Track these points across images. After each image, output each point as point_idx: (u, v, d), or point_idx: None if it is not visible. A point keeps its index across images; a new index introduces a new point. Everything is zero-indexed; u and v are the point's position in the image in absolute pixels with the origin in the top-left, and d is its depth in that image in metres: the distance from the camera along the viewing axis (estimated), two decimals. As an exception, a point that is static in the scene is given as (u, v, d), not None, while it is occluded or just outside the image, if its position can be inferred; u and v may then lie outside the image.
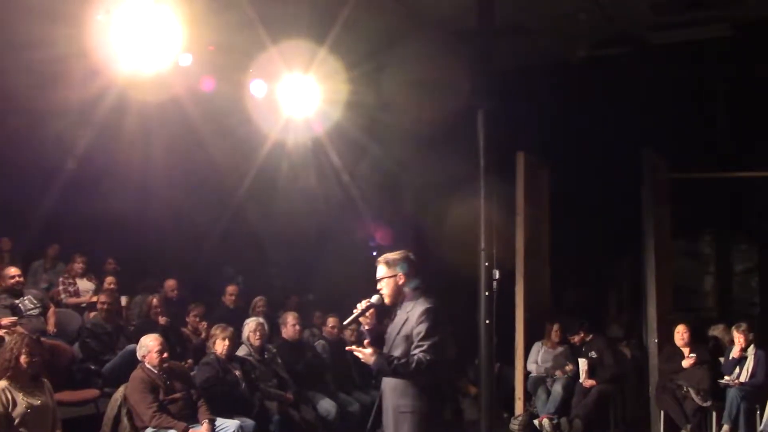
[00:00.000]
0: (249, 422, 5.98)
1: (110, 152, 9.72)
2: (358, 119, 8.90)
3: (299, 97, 8.13)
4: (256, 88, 8.10)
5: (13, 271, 7.60)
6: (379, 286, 4.15)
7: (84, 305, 8.69)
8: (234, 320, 7.42)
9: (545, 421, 8.04)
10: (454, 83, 8.23)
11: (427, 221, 11.04)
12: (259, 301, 8.72)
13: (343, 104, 8.42)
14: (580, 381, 8.23)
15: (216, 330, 6.51)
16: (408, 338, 3.99)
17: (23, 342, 5.11)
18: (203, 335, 7.87)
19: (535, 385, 8.48)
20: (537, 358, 8.64)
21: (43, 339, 5.83)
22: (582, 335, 8.55)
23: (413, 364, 3.87)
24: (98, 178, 10.27)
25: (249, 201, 11.07)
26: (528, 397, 8.50)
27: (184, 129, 8.91)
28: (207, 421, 5.72)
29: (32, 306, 7.44)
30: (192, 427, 5.61)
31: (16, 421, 4.87)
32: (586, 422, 7.94)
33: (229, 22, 7.25)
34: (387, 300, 4.14)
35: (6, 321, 6.84)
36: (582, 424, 7.93)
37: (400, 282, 4.10)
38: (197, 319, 8.02)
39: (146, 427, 5.56)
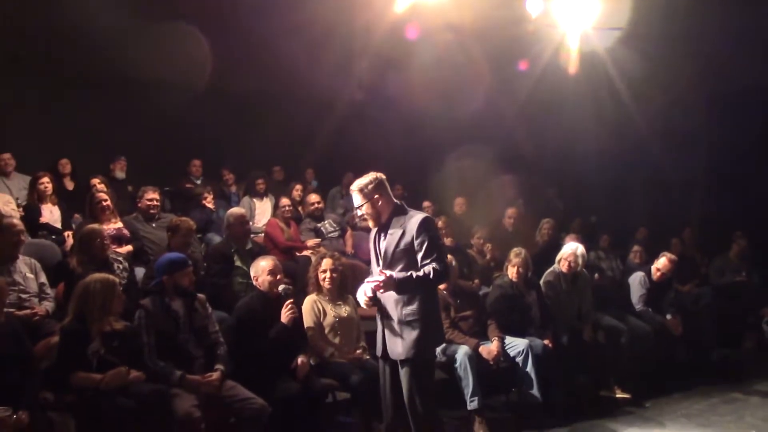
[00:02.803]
0: (538, 342, 5.99)
1: (389, 83, 10.15)
2: (643, 30, 8.19)
3: (578, 9, 7.73)
4: (532, 4, 7.83)
5: (313, 197, 8.35)
6: (360, 213, 4.30)
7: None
8: (514, 243, 7.42)
9: None
10: None
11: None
12: (545, 223, 8.61)
13: (627, 14, 7.82)
14: None
15: (511, 254, 6.54)
16: (409, 250, 4.08)
17: (326, 260, 5.58)
18: (488, 256, 8.02)
19: None
20: None
21: (343, 258, 6.24)
22: None
23: (431, 274, 3.97)
24: (382, 109, 10.80)
25: (521, 125, 10.95)
26: None
27: (461, 55, 8.94)
28: (497, 338, 5.84)
29: (332, 229, 8.11)
30: (482, 344, 5.75)
31: (327, 329, 5.38)
32: None
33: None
34: (372, 223, 4.25)
35: (311, 242, 7.58)
36: None
37: (379, 204, 4.17)
38: (481, 241, 8.17)
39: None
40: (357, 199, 4.23)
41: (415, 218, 4.12)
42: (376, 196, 4.16)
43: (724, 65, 9.16)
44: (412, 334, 4.01)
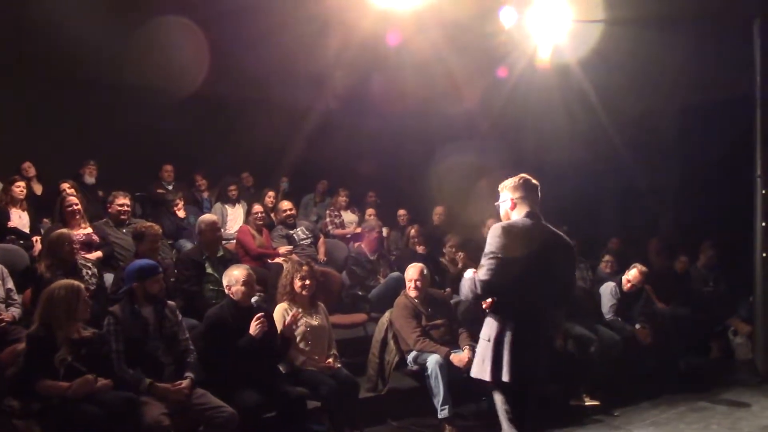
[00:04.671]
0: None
1: (364, 92, 10.15)
2: (616, 42, 8.26)
3: (551, 22, 7.76)
4: (506, 15, 7.86)
5: (286, 204, 8.33)
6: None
7: (349, 236, 9.28)
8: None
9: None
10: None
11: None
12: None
13: (599, 26, 7.89)
14: None
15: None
16: None
17: (299, 268, 5.57)
18: (460, 265, 8.04)
19: (822, 325, 7.61)
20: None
21: (315, 266, 6.23)
22: None
23: (465, 283, 3.82)
24: (356, 118, 10.80)
25: (495, 135, 10.99)
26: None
27: (435, 64, 8.96)
28: (468, 347, 5.85)
29: (305, 236, 8.09)
30: (453, 352, 5.76)
31: (298, 338, 5.36)
32: None
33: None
34: None
35: (284, 249, 7.56)
36: None
37: (511, 208, 3.94)
38: (454, 250, 8.19)
39: (411, 350, 5.83)
40: (500, 196, 4.04)
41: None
42: (505, 200, 3.97)
43: (695, 79, 9.30)
44: (480, 354, 3.87)
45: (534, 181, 3.98)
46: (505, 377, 3.72)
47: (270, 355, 5.03)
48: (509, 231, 3.76)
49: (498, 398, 3.86)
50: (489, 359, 3.77)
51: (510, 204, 3.94)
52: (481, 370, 3.82)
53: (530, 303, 3.77)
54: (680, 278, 9.16)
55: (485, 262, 3.74)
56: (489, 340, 3.79)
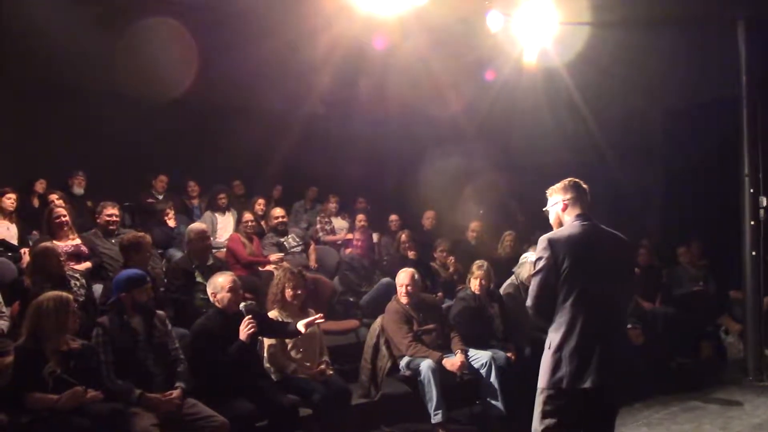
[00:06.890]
0: (501, 354, 6.01)
1: (352, 97, 10.15)
2: (602, 46, 8.29)
3: (537, 26, 7.78)
4: (492, 19, 7.87)
5: (278, 212, 8.32)
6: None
7: (339, 242, 9.27)
8: (477, 255, 7.46)
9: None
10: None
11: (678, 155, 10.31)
12: (507, 236, 8.67)
13: (586, 30, 7.91)
14: None
15: (473, 267, 6.56)
16: None
17: (290, 276, 5.56)
18: (451, 269, 8.05)
19: (812, 323, 7.64)
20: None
21: (306, 273, 6.22)
22: None
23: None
24: (344, 123, 10.80)
25: (481, 138, 11.01)
26: (804, 336, 7.69)
27: (421, 69, 8.97)
28: (460, 351, 5.85)
29: (295, 243, 8.08)
30: (446, 357, 5.76)
31: (289, 345, 5.35)
32: None
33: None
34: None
35: (274, 257, 7.54)
36: None
37: (563, 210, 3.81)
38: (444, 254, 8.19)
39: (403, 356, 5.81)
40: (549, 201, 3.91)
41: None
42: (556, 203, 3.83)
43: (680, 81, 9.35)
44: (542, 361, 3.70)
45: (584, 185, 3.88)
46: (554, 383, 3.59)
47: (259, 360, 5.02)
48: (555, 241, 3.62)
49: (539, 401, 3.66)
50: (547, 367, 3.62)
51: (561, 206, 3.81)
52: (540, 377, 3.67)
53: (585, 307, 3.57)
54: (660, 276, 9.18)
55: (532, 284, 3.68)
56: (548, 348, 3.64)
